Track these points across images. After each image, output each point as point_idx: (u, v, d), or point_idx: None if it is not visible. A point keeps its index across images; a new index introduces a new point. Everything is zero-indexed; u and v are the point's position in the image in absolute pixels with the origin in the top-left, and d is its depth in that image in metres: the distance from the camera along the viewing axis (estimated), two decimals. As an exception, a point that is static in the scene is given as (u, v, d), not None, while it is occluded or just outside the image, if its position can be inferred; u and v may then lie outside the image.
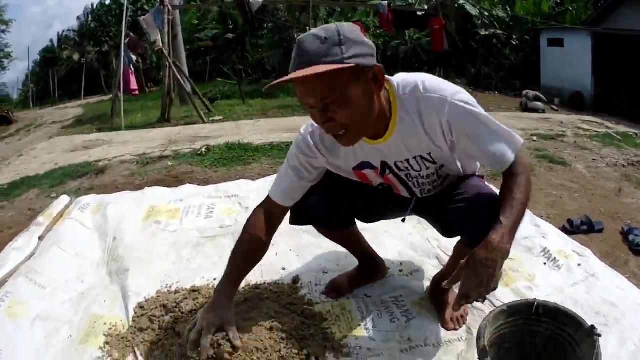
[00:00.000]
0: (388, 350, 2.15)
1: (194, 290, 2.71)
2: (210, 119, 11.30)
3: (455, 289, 2.18)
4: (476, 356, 1.70)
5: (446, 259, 2.77)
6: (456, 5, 20.17)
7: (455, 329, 2.24)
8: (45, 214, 3.97)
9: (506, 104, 14.71)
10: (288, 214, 2.24)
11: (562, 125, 8.35)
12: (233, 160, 5.96)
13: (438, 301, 2.41)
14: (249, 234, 2.13)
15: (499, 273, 1.66)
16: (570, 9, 20.73)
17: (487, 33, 20.85)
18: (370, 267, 2.70)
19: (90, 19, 38.23)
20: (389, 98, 1.83)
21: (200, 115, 11.30)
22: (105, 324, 2.50)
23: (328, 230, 2.49)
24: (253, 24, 13.44)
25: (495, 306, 2.18)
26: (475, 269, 1.65)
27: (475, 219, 1.86)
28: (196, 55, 28.11)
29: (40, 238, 3.53)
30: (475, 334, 1.88)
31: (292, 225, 2.38)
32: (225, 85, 19.68)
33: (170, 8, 12.11)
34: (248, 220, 2.17)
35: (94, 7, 37.98)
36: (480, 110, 1.82)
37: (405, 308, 2.44)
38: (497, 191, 1.91)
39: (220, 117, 11.42)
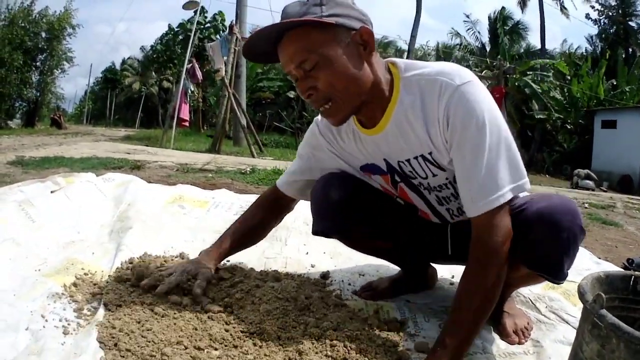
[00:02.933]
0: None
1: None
2: (261, 157, 11.02)
3: (515, 297, 2.10)
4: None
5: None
6: (517, 84, 20.25)
7: (520, 343, 1.84)
8: (66, 178, 3.60)
9: (557, 184, 14.64)
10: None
11: (611, 199, 8.41)
12: (278, 183, 5.51)
13: (494, 312, 1.94)
14: (253, 211, 2.08)
15: None
16: (626, 90, 20.89)
17: (543, 116, 20.99)
18: (419, 273, 2.23)
19: (157, 46, 38.75)
20: (391, 80, 1.60)
21: (251, 150, 11.13)
22: (83, 269, 2.08)
23: (357, 240, 2.08)
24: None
25: (564, 320, 2.00)
26: None
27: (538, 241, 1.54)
28: (256, 107, 28.53)
29: (52, 192, 3.17)
30: (545, 346, 1.78)
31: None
32: (281, 137, 19.79)
33: (239, 37, 12.16)
34: (256, 201, 2.12)
35: (163, 33, 38.47)
36: (491, 122, 1.48)
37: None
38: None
39: (271, 158, 11.14)
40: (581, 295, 1.27)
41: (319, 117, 1.82)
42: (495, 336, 1.86)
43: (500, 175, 1.46)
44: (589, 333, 1.19)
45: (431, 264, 2.27)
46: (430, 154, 1.61)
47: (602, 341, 1.14)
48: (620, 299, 1.45)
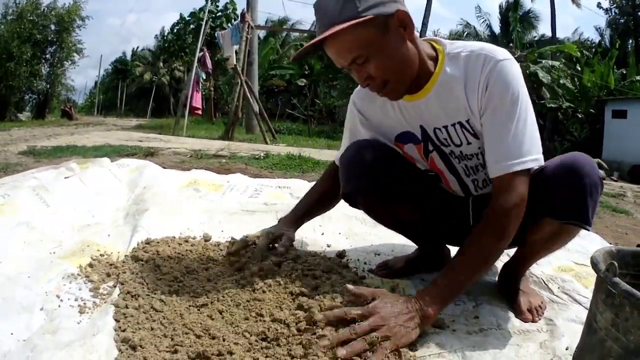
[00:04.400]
0: (452, 331, 1.71)
1: (216, 244, 2.30)
2: (274, 144, 11.00)
3: (529, 277, 2.12)
4: (563, 345, 1.61)
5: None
6: (527, 72, 20.14)
7: (534, 321, 1.85)
8: (80, 164, 3.63)
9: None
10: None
11: (622, 188, 8.42)
12: (291, 167, 5.60)
13: (509, 290, 1.99)
14: (323, 183, 2.20)
15: (412, 332, 1.49)
16: (636, 79, 20.82)
17: (554, 105, 20.91)
18: (433, 252, 2.26)
19: (168, 36, 38.57)
20: (435, 55, 1.73)
21: (264, 137, 11.15)
22: (98, 250, 2.10)
23: (381, 201, 2.05)
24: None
25: (576, 300, 2.01)
26: (388, 315, 1.48)
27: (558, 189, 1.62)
28: (269, 95, 28.54)
29: (66, 178, 3.20)
30: (558, 324, 1.78)
31: (343, 212, 2.22)
32: (294, 124, 19.87)
33: (252, 24, 12.13)
34: (321, 176, 2.27)
35: (174, 23, 38.19)
36: (523, 99, 1.63)
37: (471, 295, 1.98)
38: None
39: (284, 145, 11.13)
40: (594, 265, 1.28)
41: (354, 96, 1.98)
42: (510, 314, 1.87)
43: (525, 146, 1.59)
44: (602, 303, 1.20)
45: (446, 245, 2.29)
46: (467, 121, 1.72)
47: (616, 310, 1.14)
48: (632, 275, 1.45)
